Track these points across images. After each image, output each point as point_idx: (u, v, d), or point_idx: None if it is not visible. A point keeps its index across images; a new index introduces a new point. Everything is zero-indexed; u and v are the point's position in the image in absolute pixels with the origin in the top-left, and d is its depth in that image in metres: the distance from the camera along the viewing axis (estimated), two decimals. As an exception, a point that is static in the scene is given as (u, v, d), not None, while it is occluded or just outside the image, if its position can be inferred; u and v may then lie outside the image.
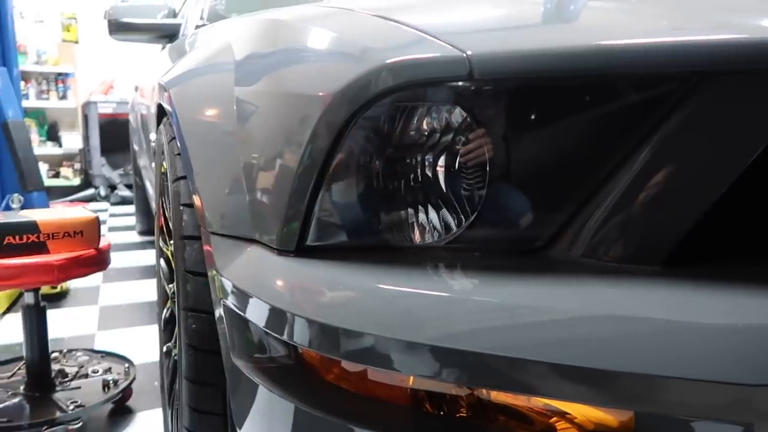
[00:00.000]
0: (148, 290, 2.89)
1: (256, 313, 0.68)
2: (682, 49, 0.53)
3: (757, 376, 0.44)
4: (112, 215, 4.96)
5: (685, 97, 0.54)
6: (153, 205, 2.25)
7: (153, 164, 1.78)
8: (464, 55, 0.56)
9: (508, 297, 0.55)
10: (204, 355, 0.87)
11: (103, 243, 1.62)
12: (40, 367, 1.64)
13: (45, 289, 2.66)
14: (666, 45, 0.54)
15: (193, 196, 0.89)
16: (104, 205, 5.40)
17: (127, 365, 1.83)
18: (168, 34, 2.16)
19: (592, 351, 0.49)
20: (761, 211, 0.62)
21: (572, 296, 0.54)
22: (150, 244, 3.79)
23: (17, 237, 1.49)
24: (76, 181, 5.79)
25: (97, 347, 2.11)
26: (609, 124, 0.57)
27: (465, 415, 0.61)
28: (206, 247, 0.83)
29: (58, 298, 2.73)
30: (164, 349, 1.37)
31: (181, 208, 0.94)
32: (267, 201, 0.70)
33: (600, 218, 0.58)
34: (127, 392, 1.75)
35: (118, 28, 2.12)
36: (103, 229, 4.27)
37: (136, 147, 3.48)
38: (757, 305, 0.49)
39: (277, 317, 0.64)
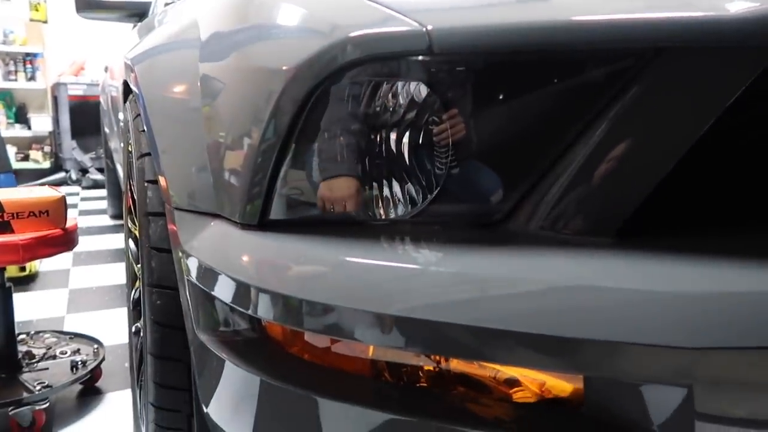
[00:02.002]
0: (118, 273, 2.86)
1: (219, 287, 0.68)
2: (640, 26, 0.54)
3: (696, 340, 0.46)
4: (83, 199, 4.89)
5: (640, 73, 0.55)
6: (123, 186, 2.22)
7: (122, 145, 1.75)
8: (424, 29, 0.56)
9: (473, 268, 0.56)
10: (169, 331, 0.87)
11: (70, 223, 1.60)
12: (5, 348, 1.62)
13: (14, 272, 2.62)
14: (625, 21, 0.55)
15: (158, 173, 0.88)
16: (75, 189, 5.31)
17: (96, 346, 1.82)
18: (138, 13, 2.12)
19: (551, 319, 0.50)
20: (713, 184, 0.64)
21: (532, 267, 0.55)
22: (122, 228, 3.74)
23: (-20, 216, 1.46)
24: (46, 164, 5.67)
25: (66, 330, 2.08)
26: (567, 100, 0.58)
27: (426, 385, 0.62)
28: (170, 223, 0.83)
29: (27, 281, 2.69)
30: (133, 329, 1.36)
31: (146, 184, 0.93)
32: (230, 175, 0.70)
33: (557, 191, 0.59)
34: (96, 373, 1.74)
35: (86, 5, 2.07)
36: (74, 212, 4.22)
37: (107, 129, 3.42)
38: (700, 274, 0.51)
39: (239, 290, 0.64)
